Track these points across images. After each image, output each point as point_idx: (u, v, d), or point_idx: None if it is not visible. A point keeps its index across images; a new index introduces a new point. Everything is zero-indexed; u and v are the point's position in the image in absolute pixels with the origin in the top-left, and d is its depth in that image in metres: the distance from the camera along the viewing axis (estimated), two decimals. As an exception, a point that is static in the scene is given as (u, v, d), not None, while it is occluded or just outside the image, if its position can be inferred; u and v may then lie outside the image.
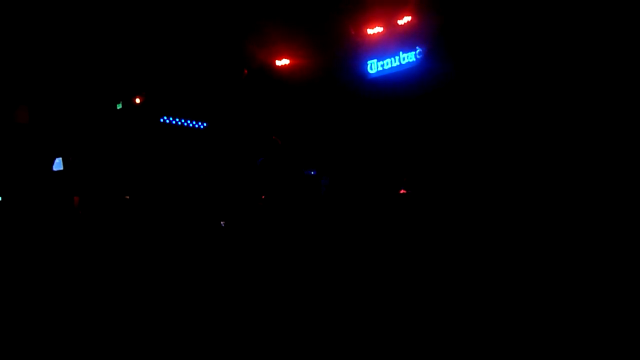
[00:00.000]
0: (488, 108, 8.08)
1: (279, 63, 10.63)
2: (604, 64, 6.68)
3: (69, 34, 8.99)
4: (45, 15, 8.46)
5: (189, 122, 11.96)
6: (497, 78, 7.98)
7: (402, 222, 7.57)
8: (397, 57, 9.65)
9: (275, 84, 10.82)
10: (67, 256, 5.74)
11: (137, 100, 11.14)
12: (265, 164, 5.42)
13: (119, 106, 11.10)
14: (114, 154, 10.44)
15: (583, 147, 6.71)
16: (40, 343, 2.88)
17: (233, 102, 11.48)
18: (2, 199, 6.28)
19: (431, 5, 8.72)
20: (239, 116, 11.53)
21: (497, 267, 4.57)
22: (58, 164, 7.93)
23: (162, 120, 11.54)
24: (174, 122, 11.72)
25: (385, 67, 9.82)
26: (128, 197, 9.58)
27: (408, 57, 9.49)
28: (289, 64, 10.63)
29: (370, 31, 9.50)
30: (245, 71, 10.99)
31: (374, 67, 9.97)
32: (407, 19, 9.04)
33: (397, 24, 9.19)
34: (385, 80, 9.80)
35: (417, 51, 9.27)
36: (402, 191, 8.28)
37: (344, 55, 10.12)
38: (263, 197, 5.46)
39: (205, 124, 12.16)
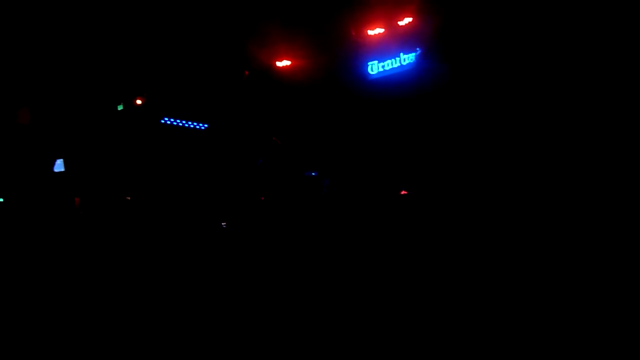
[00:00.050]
0: (489, 109, 8.07)
1: (279, 64, 10.64)
2: (604, 64, 6.68)
3: (71, 35, 9.02)
4: (46, 17, 8.49)
5: (190, 123, 11.98)
6: (498, 79, 7.96)
7: (403, 223, 7.56)
8: (397, 58, 9.66)
9: (276, 85, 10.82)
10: (68, 257, 5.74)
11: (138, 102, 11.16)
12: (265, 164, 5.43)
13: (120, 107, 11.12)
14: (115, 155, 10.46)
15: (583, 147, 6.71)
16: (40, 343, 2.88)
17: (234, 103, 11.49)
18: (3, 200, 6.29)
19: (432, 6, 8.72)
20: (240, 117, 11.54)
21: (497, 267, 4.56)
22: (59, 165, 7.94)
23: (163, 121, 11.56)
24: (175, 123, 11.73)
25: (386, 68, 9.82)
26: (129, 198, 9.60)
27: (409, 58, 9.49)
28: (289, 65, 10.64)
29: (371, 32, 9.51)
30: (246, 72, 11.00)
31: (374, 68, 9.97)
32: (407, 20, 9.05)
33: (398, 25, 9.20)
34: (386, 81, 9.80)
35: (418, 52, 9.27)
36: (403, 192, 8.28)
37: (345, 56, 10.12)
38: (262, 198, 5.47)
39: (206, 125, 12.18)
